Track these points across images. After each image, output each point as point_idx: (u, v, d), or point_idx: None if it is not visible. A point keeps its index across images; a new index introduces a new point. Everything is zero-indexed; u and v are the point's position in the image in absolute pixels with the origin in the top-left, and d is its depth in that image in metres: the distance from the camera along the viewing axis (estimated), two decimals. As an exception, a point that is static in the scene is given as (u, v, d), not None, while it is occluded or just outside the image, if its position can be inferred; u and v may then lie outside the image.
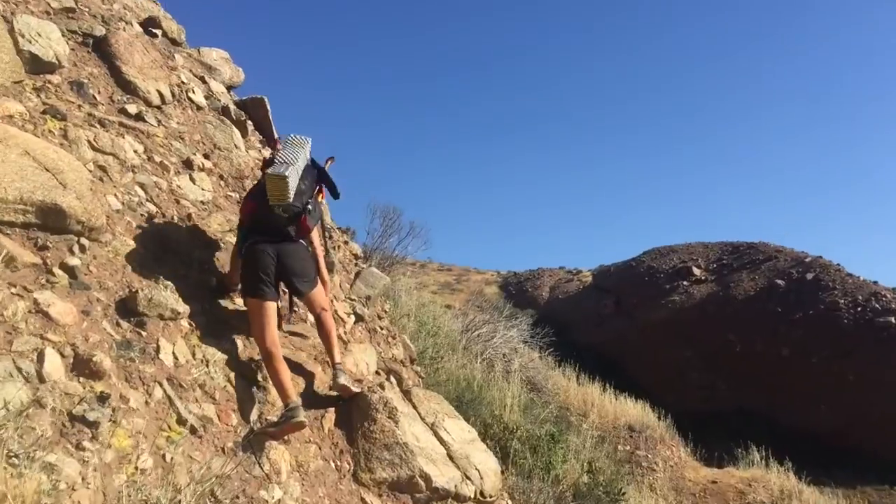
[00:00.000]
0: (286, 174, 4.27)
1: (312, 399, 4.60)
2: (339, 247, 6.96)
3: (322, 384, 4.83)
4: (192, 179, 5.22)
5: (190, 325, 4.14)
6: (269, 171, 4.32)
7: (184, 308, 4.08)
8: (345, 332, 5.60)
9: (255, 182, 4.98)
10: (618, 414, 15.88)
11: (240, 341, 4.39)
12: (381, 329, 6.52)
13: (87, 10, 5.88)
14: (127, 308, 3.82)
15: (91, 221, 3.82)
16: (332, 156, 5.02)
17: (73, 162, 4.00)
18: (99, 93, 5.07)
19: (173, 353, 3.88)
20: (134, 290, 3.88)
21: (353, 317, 5.91)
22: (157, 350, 3.79)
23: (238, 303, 4.58)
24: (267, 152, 6.47)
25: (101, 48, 5.42)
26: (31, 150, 3.79)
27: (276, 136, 6.85)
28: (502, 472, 6.08)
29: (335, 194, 4.94)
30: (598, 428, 14.38)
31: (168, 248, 4.48)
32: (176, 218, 4.77)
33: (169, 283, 4.18)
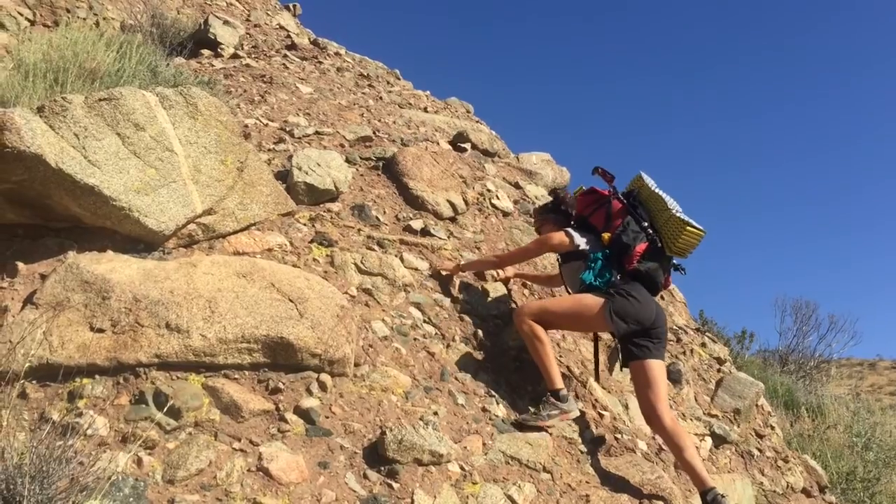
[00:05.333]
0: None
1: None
2: (691, 350, 5.58)
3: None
4: (484, 290, 4.51)
5: (462, 469, 3.27)
6: (689, 220, 3.92)
7: (448, 449, 3.23)
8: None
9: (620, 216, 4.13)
10: None
11: (529, 486, 3.37)
12: (763, 451, 4.91)
13: (386, 136, 5.78)
14: (377, 454, 3.11)
15: (329, 353, 3.26)
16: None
17: (325, 289, 3.55)
18: (384, 213, 4.73)
19: (432, 509, 3.03)
20: (385, 431, 3.17)
21: (708, 439, 4.47)
22: (411, 507, 2.97)
23: (531, 441, 3.59)
24: None
25: (390, 168, 5.16)
26: (278, 281, 3.43)
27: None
28: None
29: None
30: None
31: (445, 376, 3.75)
32: (459, 338, 4.05)
33: (433, 418, 3.40)
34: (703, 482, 3.66)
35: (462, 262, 4.44)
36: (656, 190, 4.11)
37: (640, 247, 3.94)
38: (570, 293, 4.24)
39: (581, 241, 4.12)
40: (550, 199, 4.71)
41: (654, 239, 3.97)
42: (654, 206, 4.08)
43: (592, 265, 4.00)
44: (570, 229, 4.20)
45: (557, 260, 4.44)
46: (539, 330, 3.90)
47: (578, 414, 3.92)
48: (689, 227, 3.90)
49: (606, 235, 4.04)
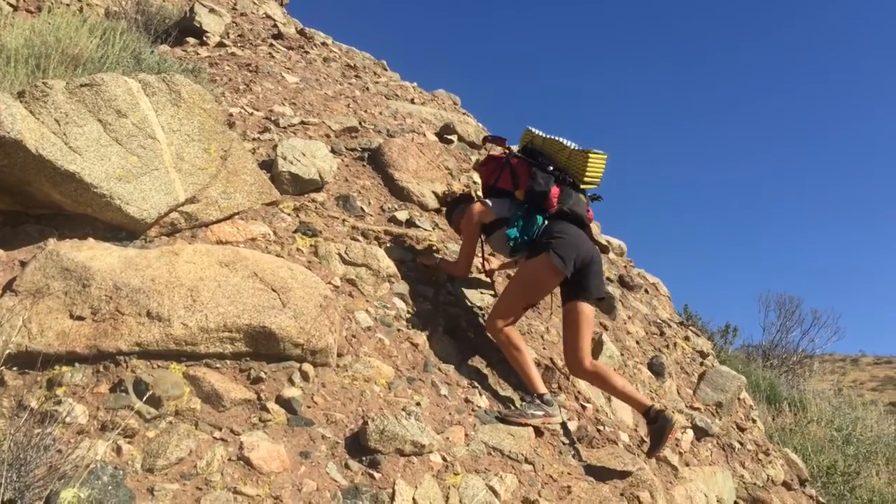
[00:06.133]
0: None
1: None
2: (674, 343, 5.61)
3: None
4: (468, 282, 4.51)
5: (444, 459, 3.27)
6: (589, 149, 4.07)
7: (430, 440, 3.23)
8: (679, 453, 4.23)
9: (528, 163, 4.17)
10: None
11: (510, 478, 3.37)
12: (745, 444, 4.95)
13: (372, 127, 5.75)
14: (359, 445, 3.11)
15: (311, 343, 3.24)
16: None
17: (308, 279, 3.53)
18: (369, 204, 4.71)
19: (413, 499, 3.03)
20: (367, 421, 3.17)
21: (690, 432, 4.50)
22: (392, 497, 2.97)
23: (514, 432, 3.60)
24: None
25: (376, 159, 5.14)
26: (261, 270, 3.41)
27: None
28: None
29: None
30: None
31: (428, 366, 3.75)
32: (443, 329, 4.05)
33: (416, 409, 3.40)
34: (642, 403, 3.84)
35: (439, 260, 4.45)
36: (549, 136, 4.21)
37: (555, 189, 3.99)
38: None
39: (498, 208, 4.14)
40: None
41: (563, 178, 4.05)
42: (551, 149, 4.19)
43: (516, 222, 4.02)
44: (485, 199, 4.24)
45: (481, 239, 4.34)
46: (515, 338, 3.90)
47: (561, 421, 3.89)
48: (591, 155, 4.04)
49: (520, 192, 4.08)
